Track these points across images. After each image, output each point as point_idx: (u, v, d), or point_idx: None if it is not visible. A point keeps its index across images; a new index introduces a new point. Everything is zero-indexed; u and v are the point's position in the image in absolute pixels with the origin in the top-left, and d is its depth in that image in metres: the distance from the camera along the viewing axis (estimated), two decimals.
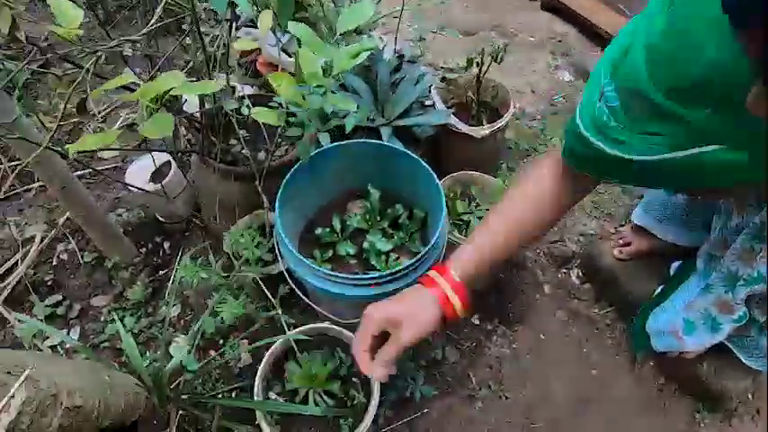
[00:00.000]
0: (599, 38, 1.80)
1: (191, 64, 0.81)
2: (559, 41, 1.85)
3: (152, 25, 0.60)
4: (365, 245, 0.87)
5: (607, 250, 1.17)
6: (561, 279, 1.21)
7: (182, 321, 1.06)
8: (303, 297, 0.83)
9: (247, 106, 0.73)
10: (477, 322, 1.13)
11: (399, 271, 0.71)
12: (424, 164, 0.84)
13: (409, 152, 0.86)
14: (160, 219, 1.21)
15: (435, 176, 0.83)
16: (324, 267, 0.86)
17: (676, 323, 0.89)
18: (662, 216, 1.03)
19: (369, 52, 0.63)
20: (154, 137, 0.43)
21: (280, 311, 0.83)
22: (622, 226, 1.22)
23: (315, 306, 0.83)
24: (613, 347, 1.09)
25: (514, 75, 1.72)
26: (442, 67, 1.71)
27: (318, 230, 0.89)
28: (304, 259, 0.71)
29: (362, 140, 0.87)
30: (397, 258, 0.88)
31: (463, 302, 0.59)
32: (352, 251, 0.88)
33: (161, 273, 1.12)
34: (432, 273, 0.61)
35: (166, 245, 1.18)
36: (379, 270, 0.85)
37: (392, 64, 1.15)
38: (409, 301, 0.59)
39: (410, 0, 1.88)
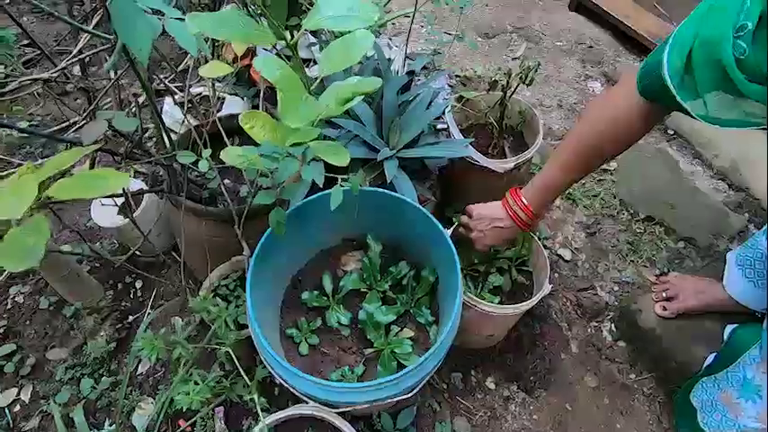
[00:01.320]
0: (635, 44, 1.60)
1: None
2: (590, 47, 1.65)
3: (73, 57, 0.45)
4: (361, 315, 0.71)
5: (647, 304, 1.00)
6: (591, 335, 1.04)
7: (150, 380, 0.92)
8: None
9: (207, 159, 0.57)
10: (492, 386, 0.97)
11: (400, 377, 0.55)
12: (435, 221, 0.68)
13: (418, 206, 0.70)
14: (136, 252, 1.06)
15: (448, 237, 0.67)
16: (311, 339, 0.71)
17: (730, 391, 0.73)
18: (759, 276, 0.86)
19: (362, 97, 0.47)
20: (12, 269, 0.28)
21: (256, 398, 0.68)
22: (665, 274, 1.05)
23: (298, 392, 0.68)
24: (654, 425, 0.93)
25: (540, 85, 1.54)
26: (457, 76, 1.53)
27: (305, 294, 0.74)
28: (281, 362, 0.56)
29: (360, 189, 0.71)
30: (401, 330, 0.72)
31: (528, 214, 0.76)
32: (345, 320, 0.72)
33: (130, 319, 0.98)
34: (507, 196, 0.79)
35: (139, 284, 1.03)
36: (375, 346, 0.69)
37: (400, 82, 0.98)
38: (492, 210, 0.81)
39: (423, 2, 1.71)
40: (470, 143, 0.95)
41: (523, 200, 0.76)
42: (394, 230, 0.77)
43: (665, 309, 0.97)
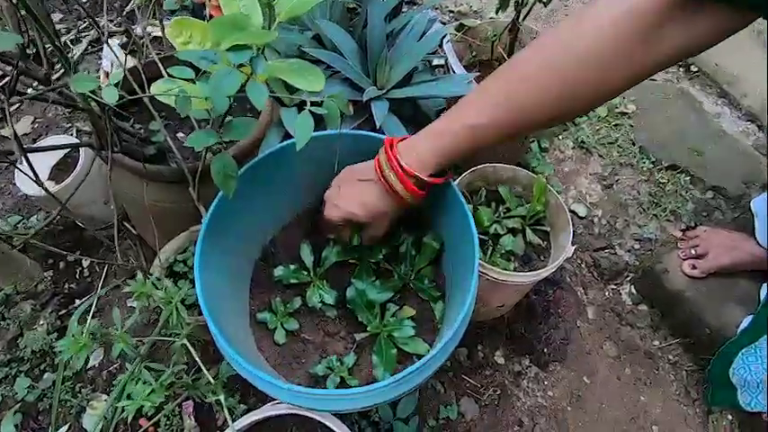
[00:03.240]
0: None
1: None
2: None
3: None
4: (349, 292, 0.57)
5: (673, 262, 0.89)
6: (609, 298, 0.93)
7: (104, 374, 0.78)
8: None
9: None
10: (501, 361, 0.86)
11: (400, 378, 0.42)
12: (460, 196, 0.53)
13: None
14: (79, 224, 0.90)
15: (460, 195, 0.52)
16: (289, 324, 0.57)
17: None
18: None
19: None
20: None
21: (222, 399, 0.54)
22: (692, 228, 0.93)
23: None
24: (681, 396, 0.83)
25: (557, 10, 1.35)
26: (450, 11, 1.34)
27: (279, 270, 0.59)
28: (245, 365, 0.42)
29: (340, 131, 0.55)
30: (399, 309, 0.58)
31: (404, 183, 0.49)
32: (330, 299, 0.58)
33: (77, 303, 0.83)
34: (380, 156, 0.51)
35: (86, 263, 0.88)
36: (368, 330, 0.56)
37: (389, 5, 0.80)
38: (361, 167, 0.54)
39: None
40: (475, 78, 0.79)
41: (399, 157, 0.48)
42: None
43: (694, 267, 0.86)
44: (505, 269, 0.68)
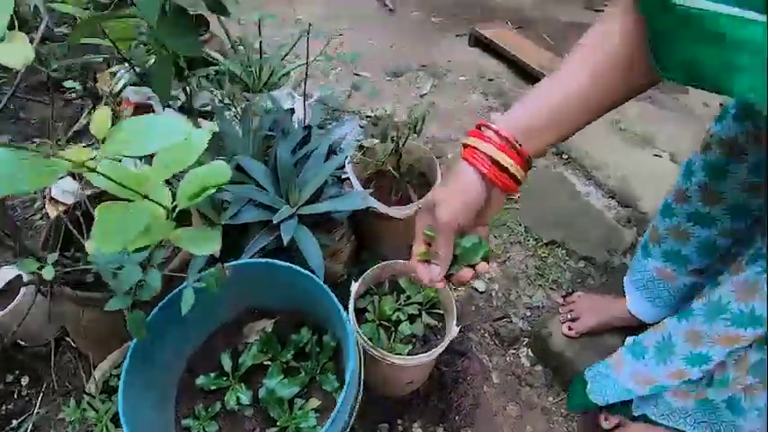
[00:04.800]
0: (528, 75, 1.73)
1: None
2: (491, 80, 1.76)
3: None
4: (261, 392, 0.68)
5: (555, 326, 1.05)
6: (510, 362, 1.07)
7: None
8: None
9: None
10: (417, 429, 0.97)
11: None
12: (326, 288, 0.67)
13: (305, 272, 0.69)
14: (19, 342, 0.96)
15: (338, 303, 0.67)
16: (210, 427, 0.67)
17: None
18: (654, 296, 0.93)
19: (213, 190, 0.46)
20: None
21: None
22: (570, 294, 1.11)
23: None
24: None
25: (447, 119, 1.61)
26: (368, 117, 1.57)
27: (200, 379, 0.70)
28: None
29: (248, 261, 0.69)
30: (306, 402, 0.70)
31: (517, 160, 0.47)
32: (246, 399, 0.69)
33: (14, 423, 0.88)
34: (470, 139, 0.48)
35: (25, 380, 0.93)
36: (278, 425, 0.67)
37: (297, 137, 0.98)
38: (448, 182, 0.49)
39: (336, 46, 1.74)
40: (371, 193, 0.97)
41: (494, 126, 0.47)
42: (292, 296, 0.75)
43: (570, 329, 1.03)
44: (400, 353, 0.82)
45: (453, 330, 0.85)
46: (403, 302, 0.93)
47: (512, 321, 1.11)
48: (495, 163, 0.46)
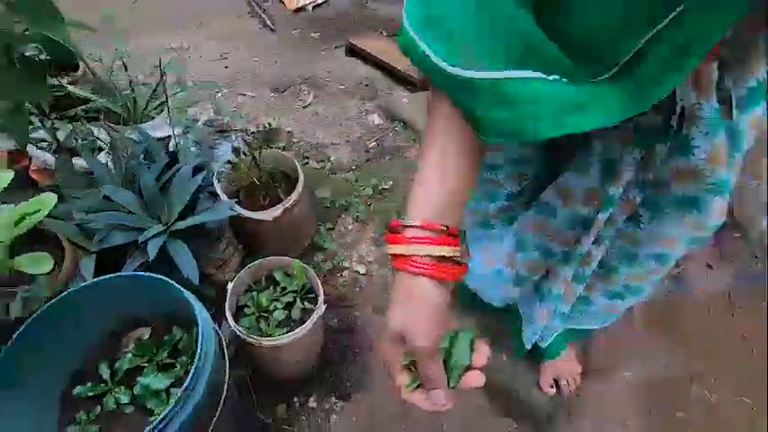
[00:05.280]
0: (400, 78, 1.92)
1: None
2: (367, 86, 1.93)
3: None
4: (136, 390, 0.78)
5: None
6: None
7: None
8: None
9: None
10: (314, 405, 1.09)
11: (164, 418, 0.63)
12: (179, 287, 0.78)
13: (166, 279, 0.79)
14: None
15: (189, 299, 0.77)
16: (89, 429, 0.75)
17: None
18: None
19: (36, 218, 0.56)
20: None
21: None
22: None
23: None
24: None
25: (329, 125, 1.76)
26: (252, 132, 1.68)
27: (77, 389, 0.78)
28: None
29: (111, 276, 0.78)
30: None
31: (452, 242, 0.42)
32: (125, 399, 0.78)
33: None
34: (396, 247, 0.43)
35: None
36: (154, 414, 0.76)
37: (162, 162, 1.08)
38: (402, 303, 0.43)
39: (213, 71, 1.83)
40: (241, 201, 1.09)
41: (413, 222, 0.42)
42: (165, 302, 0.85)
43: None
44: (271, 335, 0.94)
45: (321, 308, 0.99)
46: (279, 293, 1.05)
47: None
48: (437, 259, 0.42)
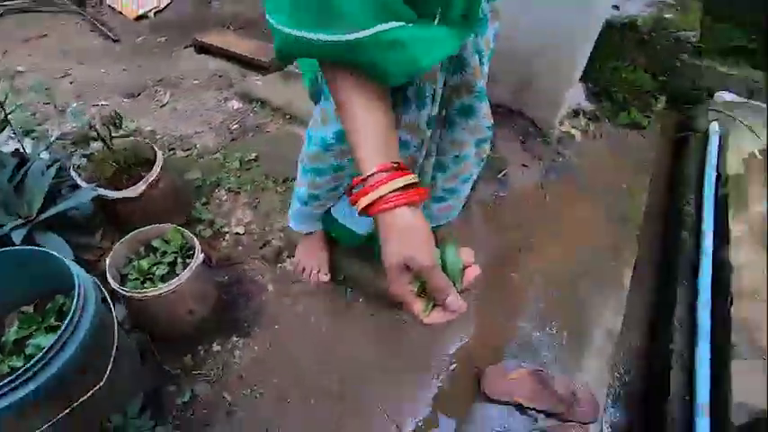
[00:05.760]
0: (247, 63, 2.07)
1: None
2: (221, 77, 2.05)
3: None
4: (28, 350, 0.86)
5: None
6: (280, 273, 1.40)
7: None
8: None
9: None
10: (218, 348, 1.23)
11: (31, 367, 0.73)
12: (56, 254, 0.87)
13: (43, 249, 0.87)
14: None
15: (66, 263, 0.87)
16: None
17: None
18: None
19: None
20: None
21: None
22: None
23: None
24: (332, 306, 1.33)
25: (189, 118, 1.85)
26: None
27: None
28: None
29: None
30: None
31: (406, 171, 0.51)
32: (20, 363, 0.86)
33: None
34: (366, 198, 0.50)
35: None
36: None
37: (10, 168, 1.12)
38: (393, 239, 0.50)
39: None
40: (99, 185, 1.17)
41: (372, 170, 0.50)
42: (47, 277, 0.92)
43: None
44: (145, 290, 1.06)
45: (198, 257, 1.12)
46: (159, 258, 1.17)
47: (271, 244, 1.44)
48: (402, 189, 0.49)
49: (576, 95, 2.02)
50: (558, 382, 1.15)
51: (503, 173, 1.75)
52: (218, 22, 2.38)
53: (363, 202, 0.50)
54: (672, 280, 1.50)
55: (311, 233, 1.32)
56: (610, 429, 1.24)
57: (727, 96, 2.18)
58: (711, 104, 2.13)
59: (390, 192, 0.49)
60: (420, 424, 1.12)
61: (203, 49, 2.16)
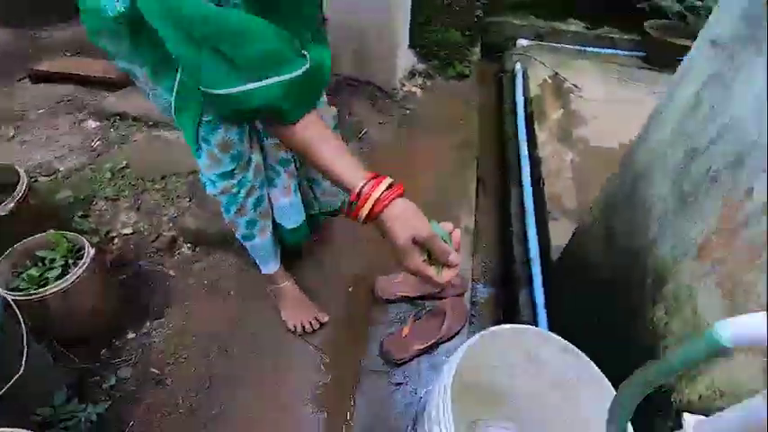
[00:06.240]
0: (97, 83, 2.06)
1: None
2: (70, 101, 2.02)
3: None
4: None
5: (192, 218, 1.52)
6: (180, 258, 1.49)
7: None
8: None
9: None
10: (131, 335, 1.30)
11: None
12: None
13: None
14: None
15: None
16: None
17: None
18: None
19: None
20: None
21: None
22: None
23: None
24: (237, 273, 1.47)
25: (44, 147, 1.81)
26: None
27: None
28: None
29: None
30: None
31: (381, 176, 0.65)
32: None
33: None
34: (365, 207, 0.63)
35: None
36: None
37: None
38: (397, 225, 0.63)
39: None
40: None
41: (360, 186, 0.63)
42: None
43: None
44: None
45: (89, 252, 1.18)
46: (48, 264, 1.20)
47: (164, 236, 1.52)
48: (388, 188, 0.63)
49: (409, 59, 2.37)
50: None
51: (363, 132, 2.02)
52: (53, 50, 2.29)
53: (365, 210, 0.62)
54: (505, 181, 1.91)
55: (281, 286, 1.33)
56: (480, 299, 1.58)
57: (524, 42, 2.72)
58: (514, 50, 2.66)
59: (381, 193, 0.62)
60: (330, 328, 1.33)
61: (42, 77, 2.09)
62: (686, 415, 0.63)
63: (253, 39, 0.58)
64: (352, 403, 1.20)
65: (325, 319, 1.35)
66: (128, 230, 1.52)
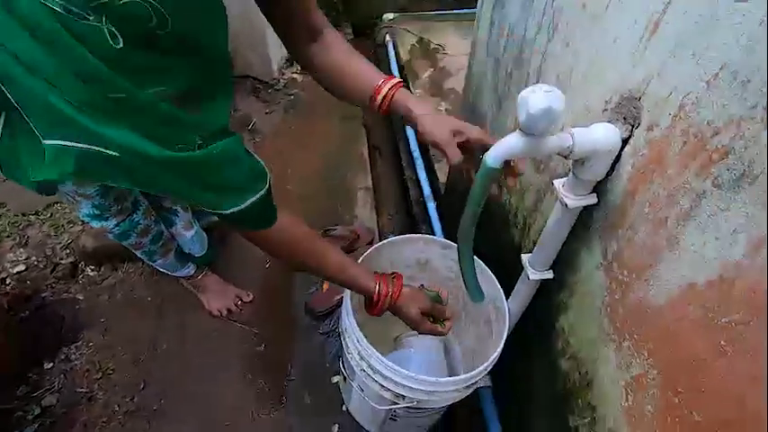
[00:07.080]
0: None
1: None
2: None
3: None
4: None
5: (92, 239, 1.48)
6: (85, 280, 1.45)
7: None
8: None
9: None
10: (48, 365, 1.26)
11: None
12: None
13: None
14: None
15: None
16: None
17: None
18: None
19: None
20: None
21: None
22: None
23: None
24: (146, 281, 1.47)
25: None
26: None
27: None
28: None
29: None
30: None
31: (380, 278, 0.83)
32: None
33: None
34: (386, 295, 0.81)
35: None
36: None
37: None
38: (410, 304, 0.83)
39: None
40: None
41: (384, 288, 0.81)
42: None
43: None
44: None
45: None
46: None
47: (63, 263, 1.47)
48: (393, 280, 0.83)
49: (283, 47, 2.44)
50: (340, 230, 1.55)
51: (252, 123, 2.07)
52: None
53: (386, 304, 0.81)
54: (394, 139, 2.07)
55: (198, 279, 1.34)
56: None
57: (390, 15, 2.91)
58: (382, 24, 2.83)
59: (391, 287, 0.81)
60: (256, 304, 1.39)
61: None
62: (523, 256, 0.81)
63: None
64: (290, 365, 1.28)
65: (249, 297, 1.41)
66: (20, 268, 1.44)
